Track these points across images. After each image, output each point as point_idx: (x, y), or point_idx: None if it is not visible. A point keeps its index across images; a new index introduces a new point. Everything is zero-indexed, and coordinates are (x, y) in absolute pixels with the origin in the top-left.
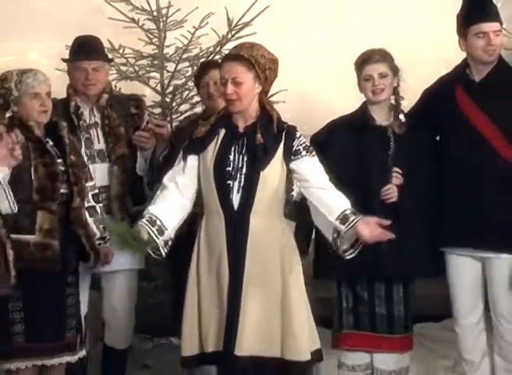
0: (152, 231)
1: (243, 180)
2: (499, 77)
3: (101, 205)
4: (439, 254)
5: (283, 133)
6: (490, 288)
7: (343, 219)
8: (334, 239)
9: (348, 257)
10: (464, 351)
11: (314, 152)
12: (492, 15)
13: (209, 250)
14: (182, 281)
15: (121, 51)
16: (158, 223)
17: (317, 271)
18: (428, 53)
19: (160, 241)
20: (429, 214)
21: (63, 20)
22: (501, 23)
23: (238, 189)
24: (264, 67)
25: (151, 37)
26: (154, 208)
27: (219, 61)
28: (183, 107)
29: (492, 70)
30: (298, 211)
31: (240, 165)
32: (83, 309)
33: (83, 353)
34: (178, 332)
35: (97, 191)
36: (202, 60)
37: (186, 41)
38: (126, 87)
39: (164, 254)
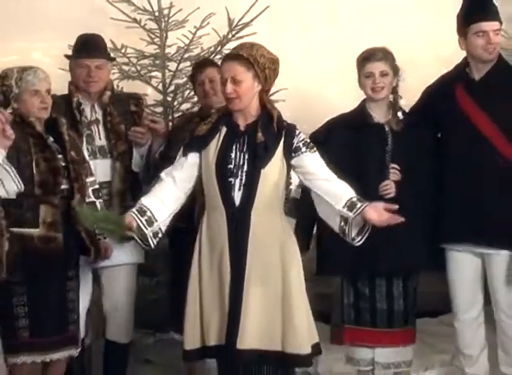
0: (141, 221)
1: (244, 177)
2: (499, 76)
3: (100, 200)
4: (439, 250)
5: (283, 132)
6: (490, 284)
7: (351, 206)
8: (341, 227)
9: (357, 244)
10: (463, 346)
11: (314, 148)
12: (492, 14)
13: (211, 246)
14: (183, 277)
15: (123, 50)
16: (149, 214)
17: (319, 268)
18: (427, 53)
19: (149, 231)
20: (429, 211)
21: (66, 20)
22: (501, 23)
23: (239, 186)
24: (263, 66)
25: (153, 36)
26: (146, 199)
27: (215, 60)
28: (185, 106)
29: (491, 69)
30: (298, 208)
31: (241, 162)
32: (86, 304)
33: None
34: (176, 326)
35: (97, 186)
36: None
37: (187, 41)
38: (128, 87)
39: (153, 245)
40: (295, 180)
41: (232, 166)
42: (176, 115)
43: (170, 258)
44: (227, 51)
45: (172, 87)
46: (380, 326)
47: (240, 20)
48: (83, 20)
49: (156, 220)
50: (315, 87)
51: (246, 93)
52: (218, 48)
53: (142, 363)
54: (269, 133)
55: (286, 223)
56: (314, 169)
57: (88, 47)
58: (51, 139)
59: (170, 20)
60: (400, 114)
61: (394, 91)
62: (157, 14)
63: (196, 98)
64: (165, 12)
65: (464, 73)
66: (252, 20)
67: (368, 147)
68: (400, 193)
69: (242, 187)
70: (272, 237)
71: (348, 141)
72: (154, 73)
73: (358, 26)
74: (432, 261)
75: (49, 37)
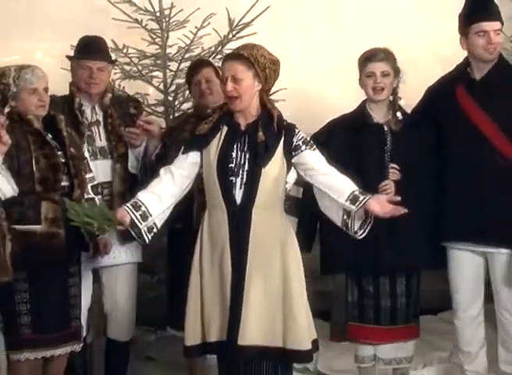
0: (135, 216)
1: (245, 176)
2: (500, 75)
3: (99, 196)
4: (440, 248)
5: (283, 131)
6: (493, 282)
7: (353, 199)
8: (344, 220)
9: (360, 237)
10: (462, 344)
11: (314, 146)
12: (494, 14)
13: (212, 243)
14: (181, 276)
15: (125, 50)
16: (143, 208)
17: (324, 267)
18: (427, 53)
19: (143, 226)
20: (430, 210)
21: (68, 21)
22: (502, 23)
23: (240, 185)
24: (263, 66)
25: (154, 37)
26: (142, 194)
27: (211, 60)
28: (185, 105)
29: (492, 68)
30: (299, 207)
31: (242, 161)
32: (88, 301)
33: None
34: (171, 322)
35: (96, 182)
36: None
37: (188, 41)
38: (130, 86)
39: (147, 240)
40: (290, 178)
41: (233, 165)
42: (177, 114)
43: (168, 258)
44: (228, 51)
45: (173, 87)
46: (383, 323)
47: (240, 20)
48: (85, 21)
49: (151, 215)
50: (315, 87)
51: (246, 92)
52: (219, 48)
53: (144, 360)
54: (270, 132)
55: (287, 221)
56: (315, 164)
57: (90, 49)
58: (50, 136)
59: (171, 20)
60: (399, 114)
61: (394, 92)
62: (158, 14)
63: None
64: (166, 12)
65: (465, 73)
66: (252, 20)
67: (368, 147)
68: (400, 192)
69: (243, 186)
70: (273, 235)
71: (348, 142)
72: (155, 73)
73: (358, 26)
74: (434, 260)
75: (51, 37)
